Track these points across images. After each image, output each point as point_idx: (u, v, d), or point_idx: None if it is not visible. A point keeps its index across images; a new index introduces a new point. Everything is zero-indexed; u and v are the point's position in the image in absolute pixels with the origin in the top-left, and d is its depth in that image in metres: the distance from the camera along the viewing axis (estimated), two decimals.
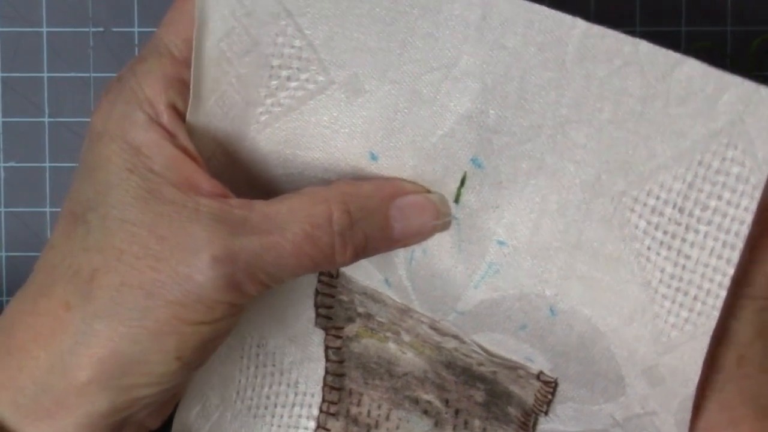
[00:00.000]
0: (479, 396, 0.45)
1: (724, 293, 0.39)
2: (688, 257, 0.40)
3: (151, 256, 0.38)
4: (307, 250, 0.39)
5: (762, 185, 0.38)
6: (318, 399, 0.47)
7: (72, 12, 0.48)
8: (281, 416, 0.47)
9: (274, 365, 0.47)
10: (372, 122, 0.41)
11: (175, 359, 0.39)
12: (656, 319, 0.41)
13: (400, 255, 0.43)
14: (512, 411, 0.45)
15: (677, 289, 0.40)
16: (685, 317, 0.40)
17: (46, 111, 0.49)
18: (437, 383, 0.46)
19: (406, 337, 0.45)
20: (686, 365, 0.40)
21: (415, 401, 0.46)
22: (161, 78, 0.40)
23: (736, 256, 0.39)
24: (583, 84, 0.39)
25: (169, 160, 0.39)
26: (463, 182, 0.41)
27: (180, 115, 0.40)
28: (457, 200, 0.42)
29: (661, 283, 0.40)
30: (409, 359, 0.46)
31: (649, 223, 0.40)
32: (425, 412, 0.46)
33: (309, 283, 0.46)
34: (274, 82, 0.41)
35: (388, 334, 0.46)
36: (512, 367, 0.44)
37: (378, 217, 0.40)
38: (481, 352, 0.44)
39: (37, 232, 0.50)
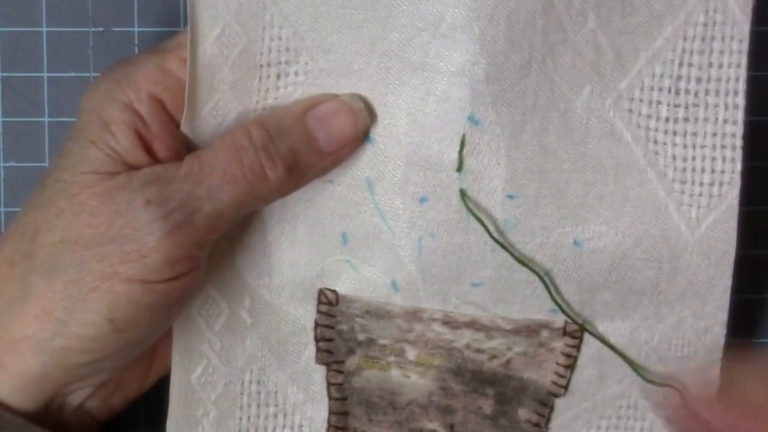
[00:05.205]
0: (488, 406, 0.45)
1: (740, 153, 0.40)
2: (695, 134, 0.41)
3: (88, 213, 0.39)
4: (236, 170, 0.39)
5: (747, 39, 0.40)
6: None
7: (72, 12, 0.48)
8: None
9: (276, 406, 0.46)
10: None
11: (107, 321, 0.39)
12: (681, 207, 0.41)
13: (406, 250, 0.43)
14: (524, 414, 0.45)
15: (693, 169, 0.41)
16: (709, 193, 0.41)
17: (46, 111, 0.49)
18: (442, 406, 0.45)
19: (412, 354, 0.44)
20: (720, 239, 0.41)
21: None
22: (154, 69, 0.41)
23: (741, 115, 0.40)
24: (566, 2, 0.40)
25: (132, 143, 0.40)
26: (462, 146, 0.41)
27: (162, 107, 0.41)
28: (459, 168, 0.41)
29: (676, 171, 0.41)
30: (413, 383, 0.45)
31: (650, 116, 0.41)
32: None
33: (308, 315, 0.45)
34: (264, 86, 0.41)
35: (391, 358, 0.45)
36: (534, 330, 0.43)
37: (297, 129, 0.41)
38: (503, 324, 0.44)
39: None
